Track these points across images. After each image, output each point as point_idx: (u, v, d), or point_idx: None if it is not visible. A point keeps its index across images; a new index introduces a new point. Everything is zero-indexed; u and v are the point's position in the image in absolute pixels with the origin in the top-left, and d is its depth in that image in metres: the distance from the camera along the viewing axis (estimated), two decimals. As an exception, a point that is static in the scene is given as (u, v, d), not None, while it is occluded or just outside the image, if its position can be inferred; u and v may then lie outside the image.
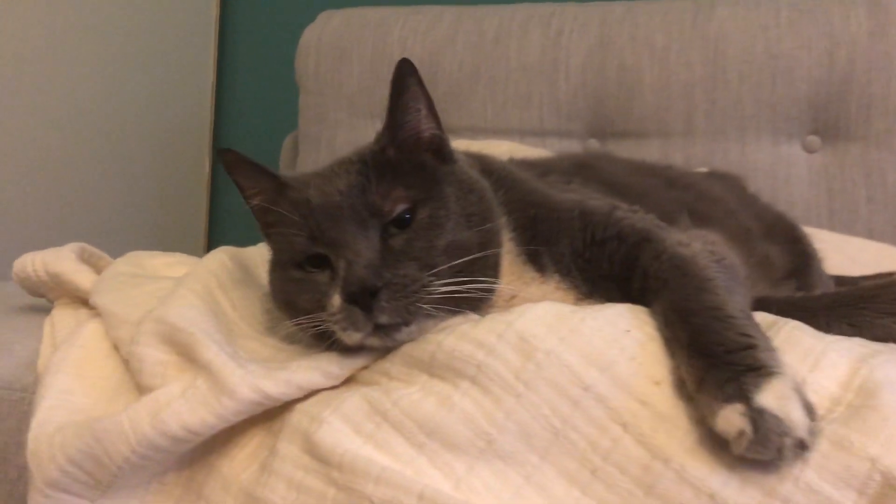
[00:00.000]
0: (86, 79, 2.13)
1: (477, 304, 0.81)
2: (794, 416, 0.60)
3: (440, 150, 0.88)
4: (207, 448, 0.80)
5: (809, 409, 0.62)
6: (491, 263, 0.83)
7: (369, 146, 0.87)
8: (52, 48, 2.03)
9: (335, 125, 2.03)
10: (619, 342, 0.71)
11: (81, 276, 1.03)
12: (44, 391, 0.86)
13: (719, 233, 0.96)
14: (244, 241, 1.13)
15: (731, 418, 0.61)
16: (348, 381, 0.80)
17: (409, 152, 0.85)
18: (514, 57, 1.87)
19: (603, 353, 0.70)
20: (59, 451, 0.77)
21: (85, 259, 1.09)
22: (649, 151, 1.72)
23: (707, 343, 0.67)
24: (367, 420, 0.73)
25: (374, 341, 0.77)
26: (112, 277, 1.02)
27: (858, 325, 0.83)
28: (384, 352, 0.79)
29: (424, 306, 0.75)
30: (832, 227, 1.59)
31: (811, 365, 0.68)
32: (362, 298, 0.74)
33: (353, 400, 0.75)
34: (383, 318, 0.74)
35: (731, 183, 1.35)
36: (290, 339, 0.87)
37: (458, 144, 0.92)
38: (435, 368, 0.74)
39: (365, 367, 0.80)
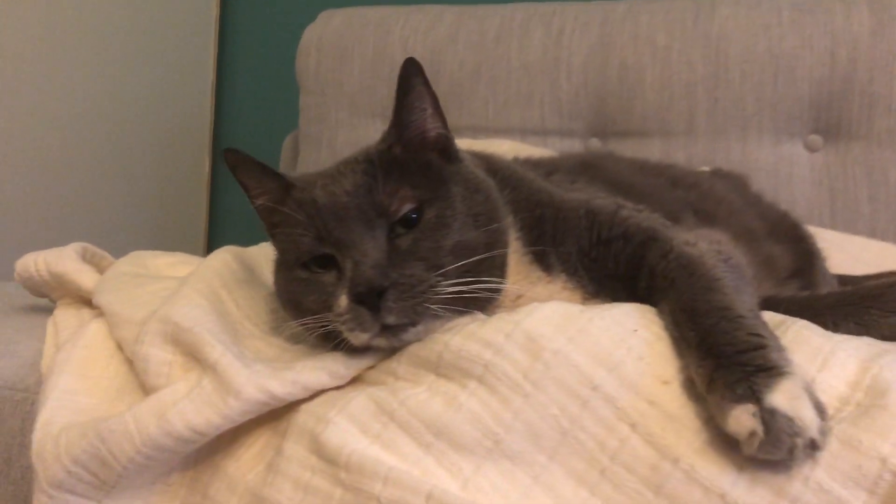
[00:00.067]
0: (86, 78, 2.13)
1: (484, 304, 0.81)
2: (806, 417, 0.60)
3: (446, 150, 0.87)
4: (212, 448, 0.80)
5: (820, 409, 0.62)
6: (497, 263, 0.83)
7: (375, 146, 0.87)
8: (52, 48, 2.03)
9: (336, 125, 2.03)
10: (626, 342, 0.71)
11: (84, 276, 1.03)
12: (48, 391, 0.86)
13: (724, 232, 0.96)
14: (244, 240, 1.13)
15: (742, 419, 0.61)
16: (354, 380, 0.80)
17: (415, 152, 0.85)
18: (515, 56, 1.87)
19: (611, 352, 0.70)
20: (64, 452, 0.77)
21: (87, 259, 1.09)
22: (651, 151, 1.72)
23: (717, 343, 0.67)
24: (373, 420, 0.73)
25: (380, 342, 0.77)
26: (115, 277, 1.02)
27: (865, 324, 0.83)
28: (390, 352, 0.79)
29: (432, 306, 0.75)
30: (834, 226, 1.59)
31: (820, 364, 0.68)
32: (369, 299, 0.74)
33: (359, 400, 0.74)
34: (390, 319, 0.74)
35: (734, 182, 1.35)
36: (295, 339, 0.87)
37: (460, 144, 0.92)
38: (442, 368, 0.74)
39: (371, 367, 0.80)
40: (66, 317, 1.02)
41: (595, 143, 1.84)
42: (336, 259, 0.80)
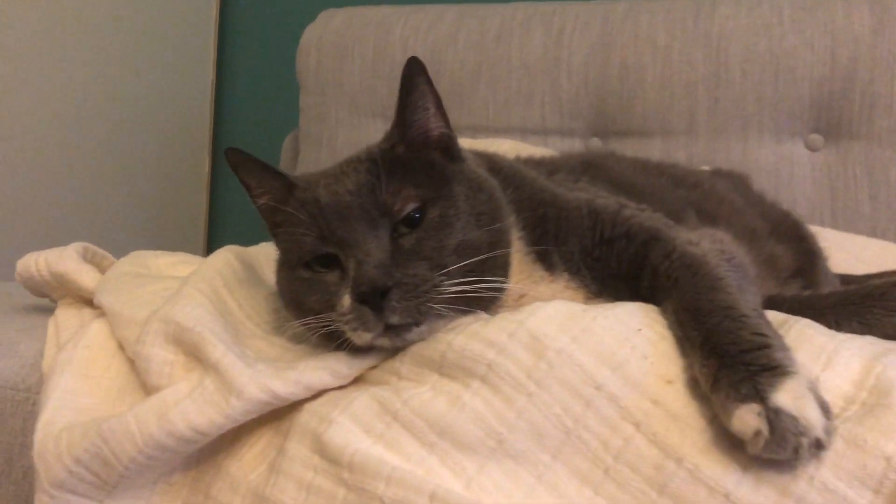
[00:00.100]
0: (86, 78, 2.13)
1: (487, 303, 0.81)
2: (811, 416, 0.60)
3: (449, 149, 0.87)
4: (214, 448, 0.80)
5: (825, 408, 0.62)
6: (501, 263, 0.82)
7: (378, 145, 0.87)
8: (52, 48, 2.03)
9: (336, 124, 2.03)
10: (630, 341, 0.71)
11: (85, 276, 1.02)
12: (49, 391, 0.85)
13: (726, 231, 0.96)
14: (244, 240, 1.13)
15: (746, 418, 0.61)
16: (357, 380, 0.80)
17: (418, 151, 0.85)
18: (515, 55, 1.87)
19: (615, 352, 0.70)
20: (66, 452, 0.77)
21: (88, 259, 1.09)
22: (651, 150, 1.72)
23: (721, 343, 0.67)
24: (376, 420, 0.72)
25: (384, 341, 0.77)
26: (116, 277, 1.02)
27: (868, 323, 0.83)
28: (393, 351, 0.79)
29: (435, 306, 0.75)
30: (835, 225, 1.59)
31: (824, 363, 0.68)
32: (373, 298, 0.74)
33: (362, 399, 0.74)
34: (394, 319, 0.74)
35: (736, 181, 1.35)
36: (297, 339, 0.87)
37: (460, 143, 0.92)
38: (445, 368, 0.74)
39: (374, 367, 0.80)
40: (67, 317, 1.01)
41: (596, 143, 1.84)
42: (339, 258, 0.80)
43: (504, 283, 0.82)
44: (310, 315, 0.81)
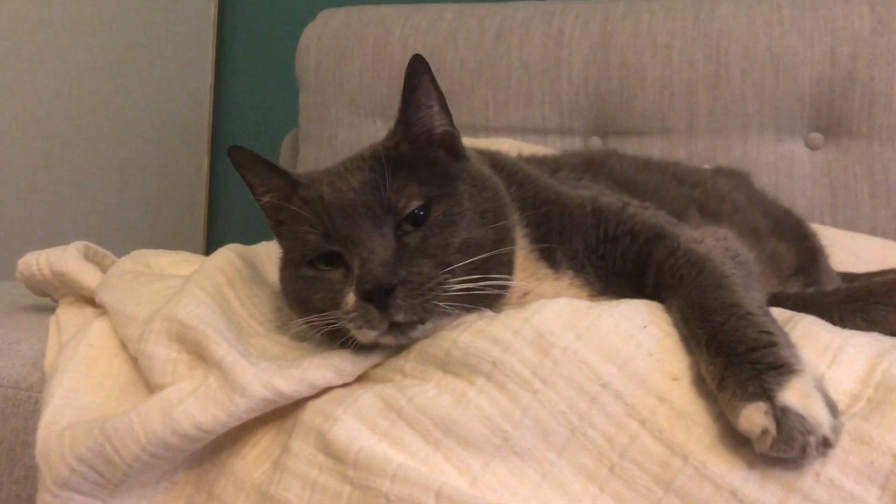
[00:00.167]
0: (86, 78, 2.13)
1: (491, 301, 0.81)
2: (818, 414, 0.60)
3: (453, 147, 0.87)
4: (218, 446, 0.79)
5: (832, 407, 0.62)
6: (505, 260, 0.82)
7: (382, 143, 0.86)
8: (51, 47, 2.02)
9: (336, 124, 2.03)
10: (636, 338, 0.71)
11: (87, 275, 1.02)
12: (52, 390, 0.85)
13: (729, 229, 0.96)
14: (243, 239, 1.13)
15: (753, 417, 0.61)
16: (361, 378, 0.80)
17: (421, 149, 0.85)
18: (515, 55, 1.87)
19: (620, 349, 0.70)
20: (69, 450, 0.77)
21: (90, 258, 1.09)
22: (651, 149, 1.72)
23: (727, 341, 0.67)
24: (381, 417, 0.72)
25: (388, 339, 0.76)
26: (118, 276, 1.01)
27: (872, 320, 0.83)
28: (397, 349, 0.79)
29: (440, 304, 0.75)
30: (835, 223, 1.60)
31: (829, 360, 0.68)
32: (377, 296, 0.73)
33: (366, 397, 0.74)
34: (399, 316, 0.74)
35: (737, 180, 1.35)
36: (300, 337, 0.87)
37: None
38: (450, 365, 0.74)
39: (378, 365, 0.80)
40: (68, 315, 1.01)
41: (596, 142, 1.84)
42: (343, 256, 0.80)
43: (508, 280, 0.82)
44: (313, 313, 0.80)
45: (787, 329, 0.71)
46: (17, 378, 0.96)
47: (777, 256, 1.10)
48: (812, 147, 1.68)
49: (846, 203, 1.64)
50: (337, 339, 0.79)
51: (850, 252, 1.39)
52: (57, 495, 0.77)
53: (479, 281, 0.76)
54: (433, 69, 0.84)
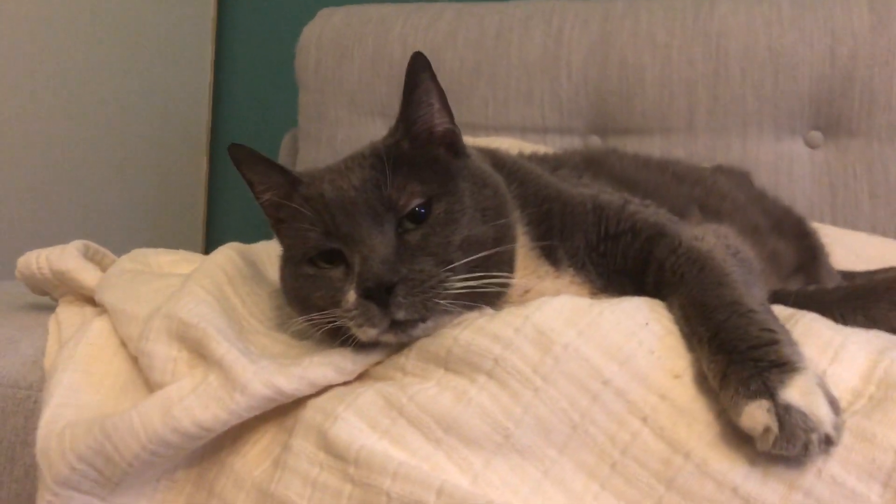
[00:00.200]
0: (84, 76, 2.12)
1: (492, 298, 0.80)
2: (821, 412, 0.60)
3: (454, 145, 0.87)
4: (218, 444, 0.79)
5: (833, 404, 0.62)
6: (506, 258, 0.82)
7: (382, 140, 0.86)
8: (50, 46, 2.02)
9: (335, 123, 2.03)
10: (637, 335, 0.71)
11: (87, 274, 1.02)
12: (52, 389, 0.85)
13: (730, 227, 0.96)
14: (242, 239, 1.12)
15: (756, 415, 0.61)
16: (362, 376, 0.79)
17: (422, 147, 0.84)
18: (515, 54, 1.87)
19: (621, 346, 0.70)
20: (69, 449, 0.77)
21: (89, 256, 1.08)
22: (651, 148, 1.72)
23: (729, 339, 0.67)
24: (382, 415, 0.72)
25: (389, 337, 0.76)
26: (118, 274, 1.01)
27: (874, 317, 0.83)
28: (398, 347, 0.79)
29: (441, 302, 0.75)
30: (835, 222, 1.60)
31: (831, 357, 0.68)
32: (378, 294, 0.73)
33: (367, 395, 0.74)
34: (400, 314, 0.74)
35: (737, 178, 1.35)
36: (300, 336, 0.87)
37: (461, 140, 0.91)
38: (451, 363, 0.74)
39: (378, 363, 0.79)
40: (68, 314, 1.01)
41: (595, 141, 1.84)
42: (344, 254, 0.79)
43: (509, 278, 0.82)
44: (314, 311, 0.80)
45: (788, 326, 0.71)
46: (16, 377, 0.96)
47: (777, 254, 1.10)
48: (811, 146, 1.68)
49: (846, 202, 1.64)
50: (337, 337, 0.79)
51: (850, 250, 1.39)
52: (57, 494, 0.77)
53: (480, 279, 0.76)
54: (433, 68, 0.84)
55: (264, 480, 0.74)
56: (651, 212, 0.89)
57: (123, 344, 0.90)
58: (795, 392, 0.61)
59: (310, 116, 2.07)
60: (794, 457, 0.61)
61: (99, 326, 0.93)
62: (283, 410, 0.78)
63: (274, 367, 0.76)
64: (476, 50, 1.89)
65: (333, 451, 0.71)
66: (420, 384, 0.74)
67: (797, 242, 1.20)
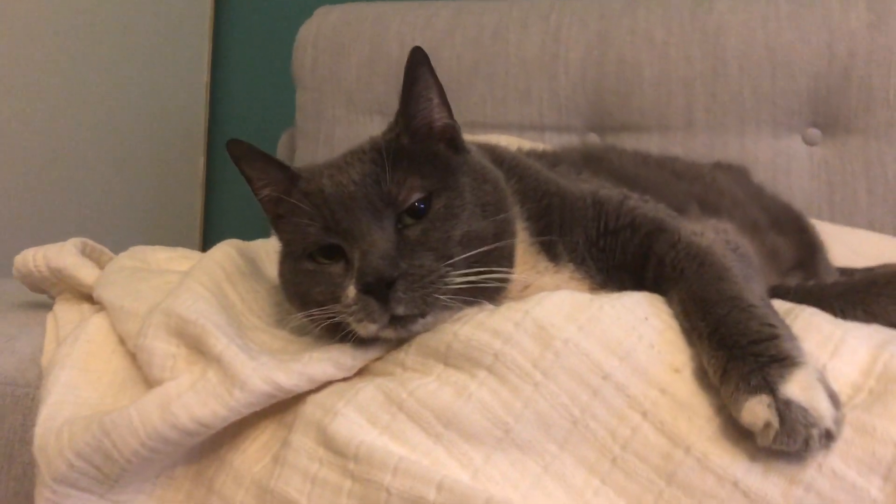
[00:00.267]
0: (81, 75, 2.12)
1: (492, 294, 0.80)
2: (821, 407, 0.60)
3: (453, 140, 0.87)
4: (217, 441, 0.79)
5: (834, 399, 0.62)
6: (506, 253, 0.82)
7: (382, 135, 0.86)
8: (47, 45, 2.02)
9: (333, 121, 2.02)
10: (637, 330, 0.71)
11: (84, 271, 1.01)
12: (49, 386, 0.84)
13: (729, 223, 0.96)
14: (239, 237, 1.12)
15: (756, 410, 0.61)
16: (361, 372, 0.79)
17: (422, 142, 0.84)
18: (513, 52, 1.86)
19: (621, 341, 0.70)
20: (67, 446, 0.76)
21: (87, 254, 1.08)
22: (649, 145, 1.72)
23: (729, 334, 0.67)
24: (382, 411, 0.72)
25: (389, 333, 0.76)
26: (116, 272, 1.01)
27: (873, 312, 0.83)
28: (398, 342, 0.79)
29: (441, 297, 0.75)
30: (833, 219, 1.60)
31: (831, 352, 0.68)
32: (378, 289, 0.73)
33: (367, 391, 0.74)
34: (400, 310, 0.74)
35: (736, 174, 1.36)
36: (299, 332, 0.87)
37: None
38: (451, 358, 0.74)
39: (378, 358, 0.79)
40: (66, 312, 1.01)
41: (593, 139, 1.84)
42: (343, 249, 0.79)
43: (509, 273, 0.82)
44: (313, 307, 0.80)
45: (788, 320, 0.71)
46: (14, 374, 0.95)
47: (776, 250, 1.10)
48: (809, 143, 1.68)
49: (844, 199, 1.64)
50: (337, 332, 0.79)
51: (848, 247, 1.39)
52: (55, 491, 0.77)
53: (480, 274, 0.76)
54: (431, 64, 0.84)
55: (264, 477, 0.74)
56: (650, 207, 0.89)
57: (122, 341, 0.90)
58: (796, 387, 0.61)
59: (307, 115, 2.07)
60: (794, 452, 0.61)
61: (97, 323, 0.93)
62: (282, 406, 0.78)
63: (273, 362, 0.76)
64: (474, 48, 1.89)
65: (333, 447, 0.71)
66: (420, 379, 0.74)
67: (796, 238, 1.20)
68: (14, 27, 1.92)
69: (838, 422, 0.61)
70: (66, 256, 1.02)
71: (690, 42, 1.73)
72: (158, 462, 0.78)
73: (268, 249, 1.06)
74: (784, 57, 1.66)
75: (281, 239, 0.89)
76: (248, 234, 1.16)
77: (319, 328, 0.81)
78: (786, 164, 1.68)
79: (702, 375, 0.68)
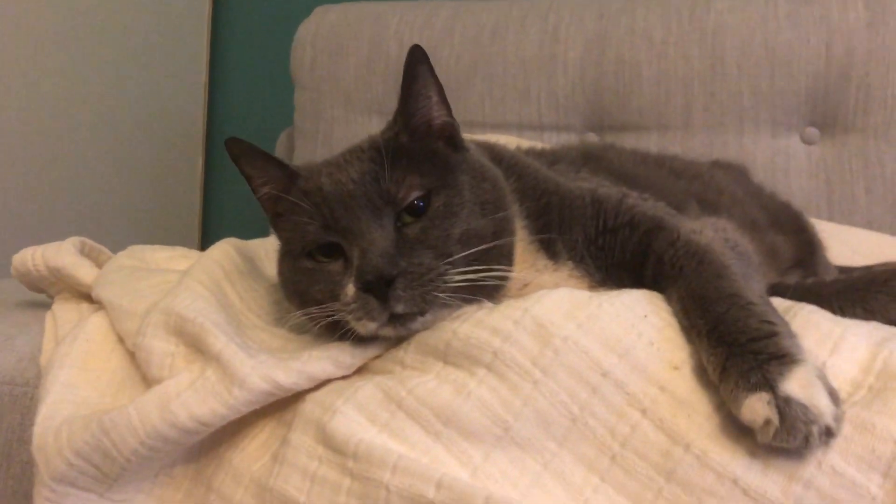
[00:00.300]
0: (80, 75, 2.12)
1: (491, 292, 0.80)
2: (821, 404, 0.60)
3: (452, 138, 0.87)
4: (216, 439, 0.79)
5: (833, 396, 0.62)
6: (505, 251, 0.82)
7: (381, 133, 0.86)
8: (46, 45, 2.01)
9: (331, 121, 2.02)
10: (636, 327, 0.71)
11: (83, 270, 1.01)
12: (48, 385, 0.84)
13: (728, 221, 0.96)
14: (238, 236, 1.12)
15: (756, 407, 0.61)
16: (360, 370, 0.79)
17: (421, 140, 0.84)
18: (511, 51, 1.86)
19: (621, 338, 0.70)
20: (66, 445, 0.76)
21: (85, 253, 1.08)
22: (648, 145, 1.72)
23: (729, 331, 0.67)
24: (381, 409, 0.72)
25: (388, 331, 0.76)
26: (115, 271, 1.01)
27: (872, 309, 0.83)
28: (397, 340, 0.79)
29: (440, 295, 0.75)
30: (831, 217, 1.60)
31: (830, 349, 0.68)
32: (377, 287, 0.73)
33: (366, 389, 0.74)
34: (399, 308, 0.74)
35: (735, 173, 1.36)
36: (298, 330, 0.86)
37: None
38: (450, 356, 0.74)
39: (378, 357, 0.79)
40: (65, 311, 1.01)
41: (592, 138, 1.83)
42: (342, 248, 0.79)
43: (508, 271, 0.82)
44: (312, 305, 0.80)
45: (787, 318, 0.71)
46: (13, 374, 0.95)
47: (775, 249, 1.11)
48: (808, 142, 1.69)
49: (842, 198, 1.64)
50: (336, 331, 0.79)
51: (847, 246, 1.39)
52: (54, 490, 0.77)
53: (479, 272, 0.76)
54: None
55: (263, 475, 0.74)
56: (649, 205, 0.89)
57: (120, 340, 0.90)
58: (795, 384, 0.61)
59: (306, 114, 2.06)
60: (794, 449, 0.61)
61: (96, 323, 0.92)
62: (281, 405, 0.78)
63: (272, 361, 0.76)
64: (472, 47, 1.89)
65: (332, 445, 0.71)
66: (419, 377, 0.74)
67: (795, 237, 1.20)
68: (14, 27, 1.92)
69: (838, 419, 0.61)
70: (65, 256, 1.02)
71: (689, 41, 1.73)
72: (158, 461, 0.78)
73: (266, 248, 1.06)
74: (783, 56, 1.66)
75: (280, 237, 0.89)
76: (247, 233, 1.16)
77: (318, 326, 0.81)
78: (784, 163, 1.68)
79: (701, 373, 0.68)
